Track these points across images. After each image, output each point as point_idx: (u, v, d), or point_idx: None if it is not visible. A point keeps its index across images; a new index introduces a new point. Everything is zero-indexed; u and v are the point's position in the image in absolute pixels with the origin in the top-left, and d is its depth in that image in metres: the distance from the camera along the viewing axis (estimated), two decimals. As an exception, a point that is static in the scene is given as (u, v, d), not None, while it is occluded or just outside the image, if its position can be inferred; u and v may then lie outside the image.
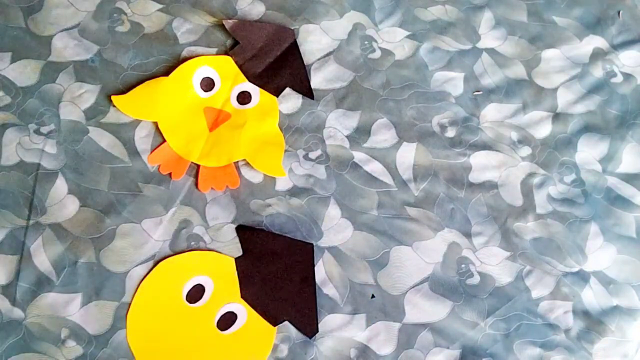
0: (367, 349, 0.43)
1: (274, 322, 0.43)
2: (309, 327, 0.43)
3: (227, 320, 0.43)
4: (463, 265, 0.46)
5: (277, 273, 0.44)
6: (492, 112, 0.51)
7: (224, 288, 0.43)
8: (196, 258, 0.44)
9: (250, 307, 0.43)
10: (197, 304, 0.43)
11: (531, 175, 0.50)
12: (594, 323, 0.46)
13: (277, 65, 0.50)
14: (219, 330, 0.42)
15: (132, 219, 0.44)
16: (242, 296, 0.43)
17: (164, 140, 0.47)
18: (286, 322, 0.43)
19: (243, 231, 0.45)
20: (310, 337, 0.43)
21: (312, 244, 0.45)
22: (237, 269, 0.44)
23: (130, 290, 0.43)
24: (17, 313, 0.41)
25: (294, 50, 0.51)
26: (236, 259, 0.44)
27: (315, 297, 0.44)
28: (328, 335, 0.43)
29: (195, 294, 0.43)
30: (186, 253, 0.44)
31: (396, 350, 0.44)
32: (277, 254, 0.45)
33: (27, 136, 0.46)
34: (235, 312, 0.43)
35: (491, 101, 0.52)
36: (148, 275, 0.43)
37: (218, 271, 0.44)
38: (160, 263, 0.43)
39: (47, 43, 0.48)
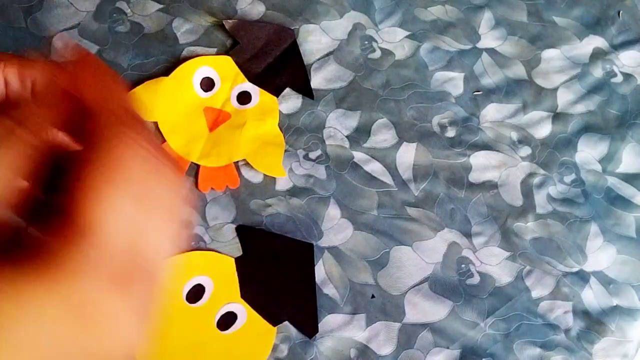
0: (367, 349, 0.43)
1: (274, 322, 0.43)
2: (309, 328, 0.43)
3: (227, 320, 0.43)
4: (463, 265, 0.46)
5: (277, 273, 0.44)
6: (492, 112, 0.51)
7: (224, 288, 0.43)
8: (196, 258, 0.44)
9: (250, 307, 0.43)
10: (197, 304, 0.43)
11: (531, 175, 0.50)
12: (594, 323, 0.46)
13: (277, 65, 0.50)
14: (219, 330, 0.42)
15: (132, 219, 0.44)
16: (242, 296, 0.43)
17: (164, 140, 0.47)
18: (286, 322, 0.43)
19: (243, 231, 0.45)
20: (310, 338, 0.43)
21: (312, 244, 0.45)
22: (237, 269, 0.44)
23: (130, 290, 0.43)
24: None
25: (294, 50, 0.51)
26: (236, 259, 0.44)
27: (315, 298, 0.44)
28: (328, 335, 0.43)
29: (196, 293, 0.43)
30: (186, 253, 0.44)
31: (396, 350, 0.44)
32: (277, 254, 0.45)
33: (27, 136, 0.46)
34: (235, 312, 0.43)
35: (491, 101, 0.52)
36: None
37: (218, 271, 0.44)
38: None
39: (47, 43, 0.48)
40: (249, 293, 0.43)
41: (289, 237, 0.45)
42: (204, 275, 0.43)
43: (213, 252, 0.44)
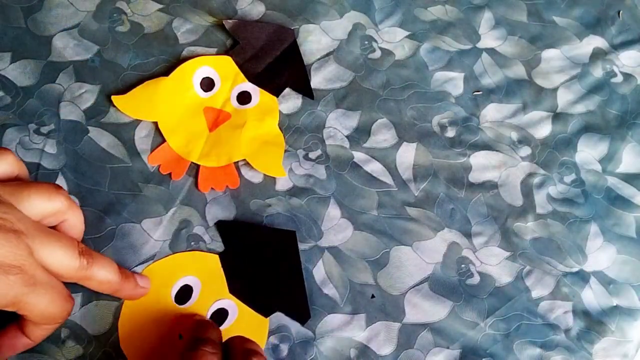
0: (367, 349, 0.43)
1: (266, 313, 0.43)
2: (300, 314, 0.43)
3: (218, 317, 0.43)
4: (463, 265, 0.46)
5: (263, 264, 0.44)
6: (492, 112, 0.51)
7: (211, 285, 0.43)
8: (180, 259, 0.44)
9: (240, 302, 0.43)
10: (187, 304, 0.43)
11: (531, 175, 0.50)
12: (594, 323, 0.46)
13: (277, 65, 0.50)
14: None
15: (132, 219, 0.44)
16: (230, 291, 0.43)
17: (164, 140, 0.47)
18: (284, 322, 0.43)
19: (223, 226, 0.45)
20: (303, 324, 0.43)
21: (294, 231, 0.45)
22: (222, 265, 0.44)
23: (130, 290, 0.43)
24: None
25: (294, 50, 0.51)
26: (220, 255, 0.44)
27: (303, 283, 0.44)
28: (328, 335, 0.43)
29: (184, 294, 0.43)
30: (169, 256, 0.44)
31: (396, 350, 0.44)
32: (260, 244, 0.45)
33: (27, 136, 0.46)
34: (225, 308, 0.43)
35: (491, 101, 0.52)
36: None
37: (203, 269, 0.44)
38: (144, 270, 0.43)
39: (47, 43, 0.49)
40: (236, 287, 0.43)
41: (269, 227, 0.45)
42: (190, 275, 0.43)
43: (196, 252, 0.44)
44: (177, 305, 0.42)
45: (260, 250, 0.44)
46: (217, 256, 0.44)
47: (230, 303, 0.43)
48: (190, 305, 0.43)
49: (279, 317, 0.43)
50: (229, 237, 0.45)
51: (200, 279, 0.43)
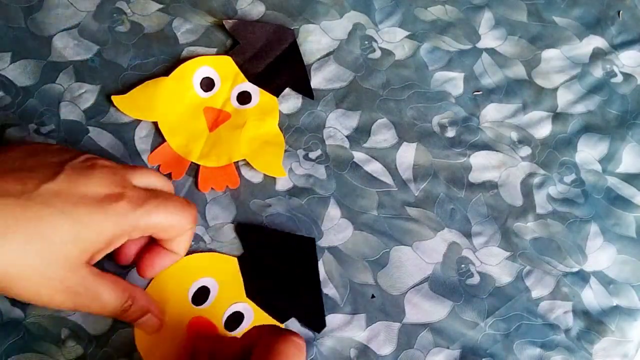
0: (367, 349, 0.43)
1: (281, 319, 0.43)
2: (315, 323, 0.43)
3: (234, 320, 0.43)
4: (463, 265, 0.46)
5: (280, 269, 0.44)
6: (492, 112, 0.51)
7: (228, 288, 0.43)
8: (199, 260, 0.44)
9: (256, 306, 0.43)
10: (203, 305, 0.42)
11: (531, 175, 0.50)
12: (594, 323, 0.46)
13: (277, 65, 0.50)
14: (227, 331, 0.42)
15: (132, 219, 0.44)
16: (247, 295, 0.43)
17: (164, 140, 0.47)
18: (289, 321, 0.43)
19: (243, 229, 0.45)
20: (319, 332, 0.43)
21: (313, 238, 0.45)
22: (240, 268, 0.44)
23: (130, 290, 0.43)
24: (17, 313, 0.41)
25: (294, 50, 0.51)
26: (239, 258, 0.44)
27: (320, 292, 0.44)
28: (328, 335, 0.43)
29: (201, 295, 0.43)
30: (188, 256, 0.44)
31: (396, 350, 0.44)
32: (278, 250, 0.44)
33: (27, 136, 0.46)
34: (241, 311, 0.43)
35: (491, 101, 0.52)
36: (151, 282, 0.42)
37: (222, 272, 0.43)
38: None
39: (47, 43, 0.49)
40: (253, 291, 0.43)
41: (289, 233, 0.45)
42: (208, 277, 0.43)
43: (215, 253, 0.44)
44: (193, 306, 0.42)
45: (280, 256, 0.44)
46: (235, 259, 0.44)
47: (247, 307, 0.43)
48: (206, 307, 0.43)
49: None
50: (248, 241, 0.45)
51: (217, 281, 0.43)
